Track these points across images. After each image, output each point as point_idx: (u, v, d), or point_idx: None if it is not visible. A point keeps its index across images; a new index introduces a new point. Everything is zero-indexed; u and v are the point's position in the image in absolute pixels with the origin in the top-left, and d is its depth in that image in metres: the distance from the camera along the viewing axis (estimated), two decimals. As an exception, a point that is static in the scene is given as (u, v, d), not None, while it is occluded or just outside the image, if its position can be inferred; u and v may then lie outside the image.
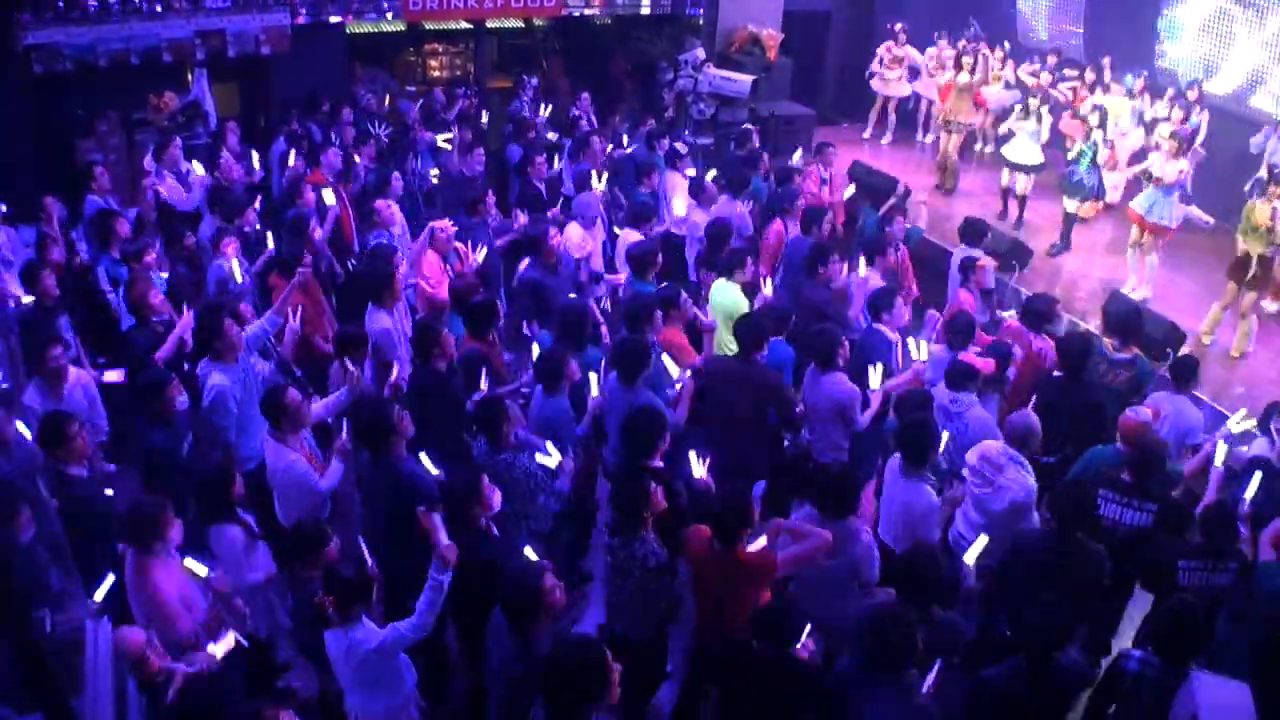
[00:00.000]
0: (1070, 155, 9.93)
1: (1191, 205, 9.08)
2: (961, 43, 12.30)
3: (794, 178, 8.99)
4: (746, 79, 11.76)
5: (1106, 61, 11.55)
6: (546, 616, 3.87)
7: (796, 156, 9.56)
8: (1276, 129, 9.93)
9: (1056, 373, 6.20)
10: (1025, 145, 10.32)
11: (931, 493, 4.94)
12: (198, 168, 8.24)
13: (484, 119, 10.80)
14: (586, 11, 12.54)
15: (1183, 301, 8.98)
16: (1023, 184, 10.48)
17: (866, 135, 13.33)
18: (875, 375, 5.77)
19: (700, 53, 12.34)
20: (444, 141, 9.31)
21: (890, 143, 13.29)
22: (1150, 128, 10.51)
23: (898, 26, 12.79)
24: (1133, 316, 6.70)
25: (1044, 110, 10.44)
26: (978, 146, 12.63)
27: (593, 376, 5.34)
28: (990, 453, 5.22)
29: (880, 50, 12.90)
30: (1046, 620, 3.97)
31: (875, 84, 13.09)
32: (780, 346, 6.18)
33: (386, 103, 11.00)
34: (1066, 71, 12.07)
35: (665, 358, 5.81)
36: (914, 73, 12.91)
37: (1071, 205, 9.98)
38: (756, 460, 5.69)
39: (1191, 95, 10.49)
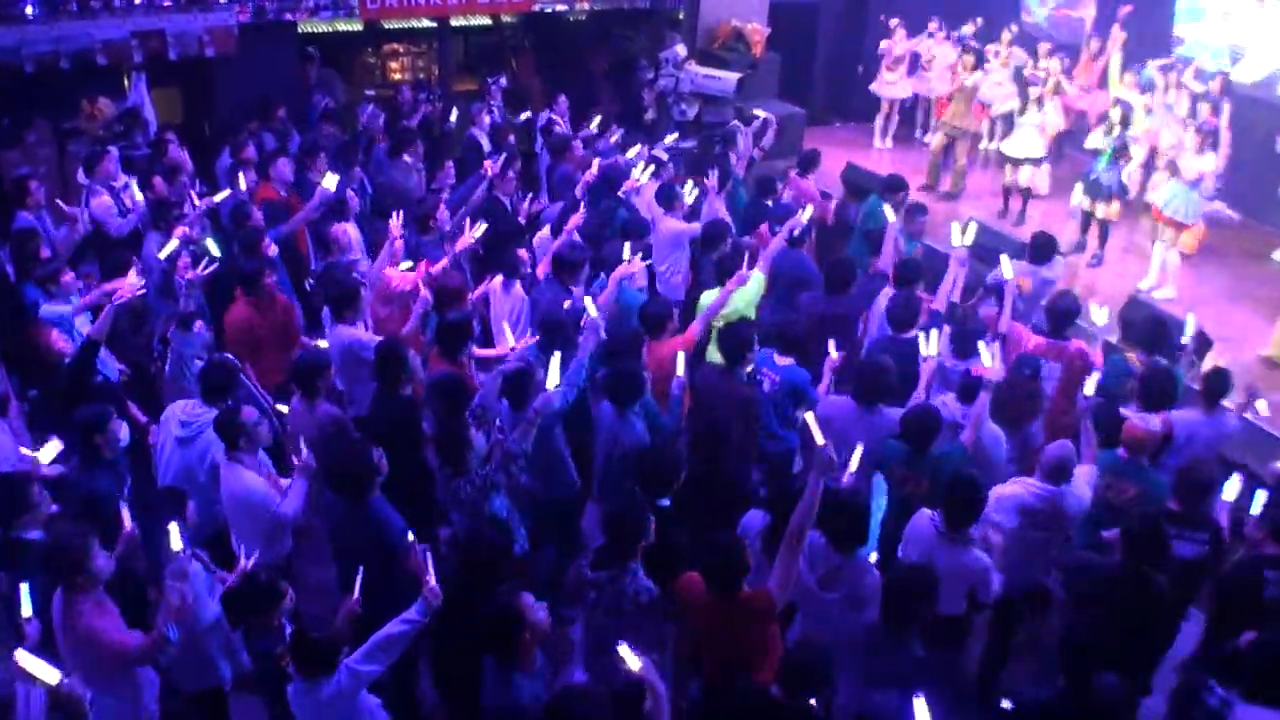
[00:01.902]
0: (1088, 144, 9.92)
1: (1216, 201, 9.08)
2: (961, 44, 12.32)
3: (776, 187, 9.06)
4: (732, 77, 11.75)
5: (1117, 31, 11.51)
6: (532, 643, 3.93)
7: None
8: None
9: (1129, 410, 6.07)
10: (1026, 137, 10.31)
11: (982, 555, 4.85)
12: (137, 193, 8.04)
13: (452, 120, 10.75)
14: (559, 7, 12.50)
15: (1209, 304, 8.94)
16: (1026, 175, 10.46)
17: (879, 145, 13.34)
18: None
19: (681, 49, 12.31)
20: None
21: (890, 143, 13.31)
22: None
23: (893, 23, 12.80)
24: (1158, 326, 6.64)
25: (1051, 105, 10.44)
26: (982, 145, 12.63)
27: (553, 361, 5.30)
28: (1031, 503, 5.16)
29: (882, 51, 12.89)
30: (1094, 641, 3.97)
31: (876, 87, 13.08)
32: (794, 371, 6.15)
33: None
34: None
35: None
36: (912, 67, 12.91)
37: (1100, 209, 9.95)
38: (744, 480, 5.69)
39: (1214, 86, 10.50)
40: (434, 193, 8.72)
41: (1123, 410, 5.88)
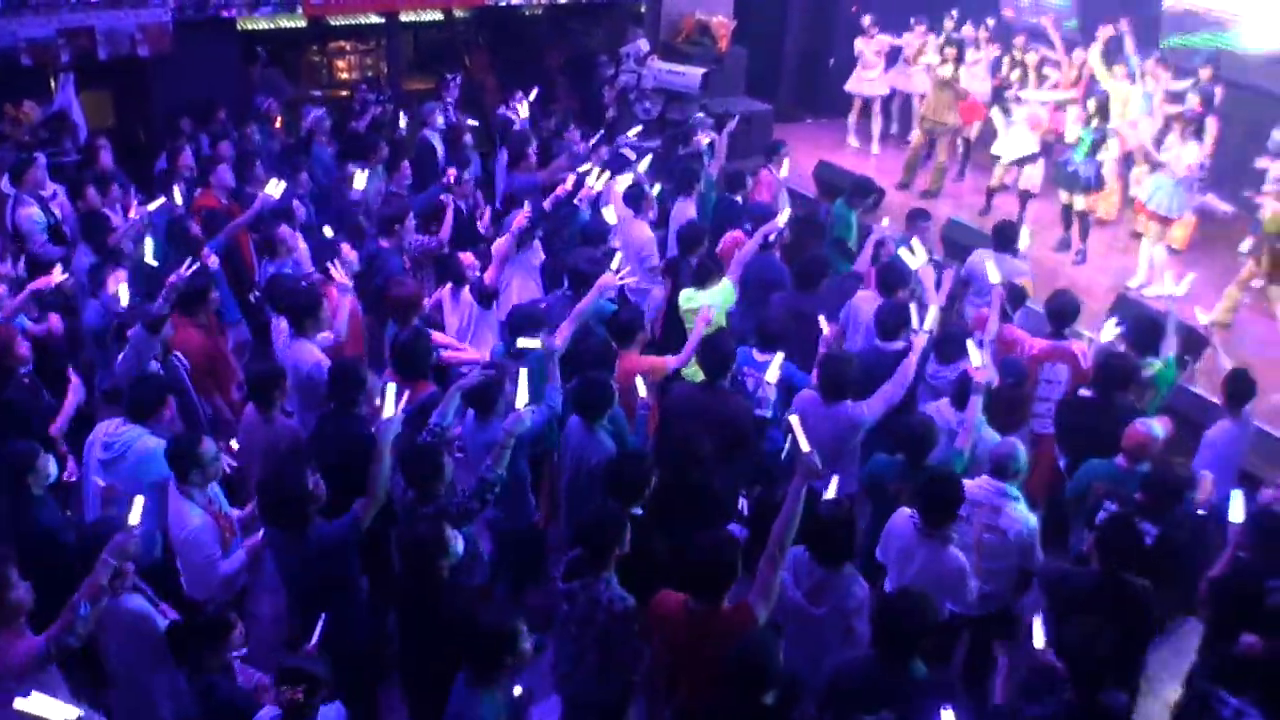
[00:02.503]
0: (1068, 137, 10.01)
1: (1209, 195, 9.15)
2: (940, 37, 12.40)
3: (746, 182, 9.06)
4: (696, 72, 11.73)
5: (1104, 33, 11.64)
6: (512, 669, 3.97)
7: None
8: None
9: (1084, 391, 6.22)
10: (1018, 136, 10.43)
11: (959, 554, 4.89)
12: (66, 202, 7.86)
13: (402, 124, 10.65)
14: (514, 0, 12.41)
15: (1201, 299, 8.88)
16: (1026, 177, 10.55)
17: (855, 144, 13.41)
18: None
19: (643, 44, 12.29)
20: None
21: (880, 142, 13.37)
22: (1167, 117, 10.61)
23: (866, 20, 12.83)
24: (1153, 326, 6.68)
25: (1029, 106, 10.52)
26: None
27: (522, 375, 5.21)
28: (976, 495, 5.20)
29: (859, 49, 12.93)
30: (1093, 646, 3.99)
31: (853, 86, 13.13)
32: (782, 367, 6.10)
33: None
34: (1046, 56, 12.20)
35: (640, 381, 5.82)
36: (890, 61, 12.99)
37: (1079, 201, 10.05)
38: (717, 508, 5.54)
39: (1205, 74, 10.59)
40: (395, 196, 8.60)
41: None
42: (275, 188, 7.48)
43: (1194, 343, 7.60)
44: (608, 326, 6.39)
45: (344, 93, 12.36)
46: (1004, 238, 7.94)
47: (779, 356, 5.89)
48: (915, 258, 6.93)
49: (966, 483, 5.20)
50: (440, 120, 10.39)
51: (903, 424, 5.56)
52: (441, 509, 4.85)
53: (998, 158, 10.75)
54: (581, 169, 8.42)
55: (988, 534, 5.20)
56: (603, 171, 8.34)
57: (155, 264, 6.69)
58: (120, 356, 5.88)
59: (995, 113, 10.75)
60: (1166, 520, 5.15)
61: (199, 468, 4.92)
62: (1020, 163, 10.52)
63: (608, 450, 5.49)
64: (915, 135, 11.77)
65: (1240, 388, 6.09)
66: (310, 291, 6.34)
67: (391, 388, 4.98)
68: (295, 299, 6.25)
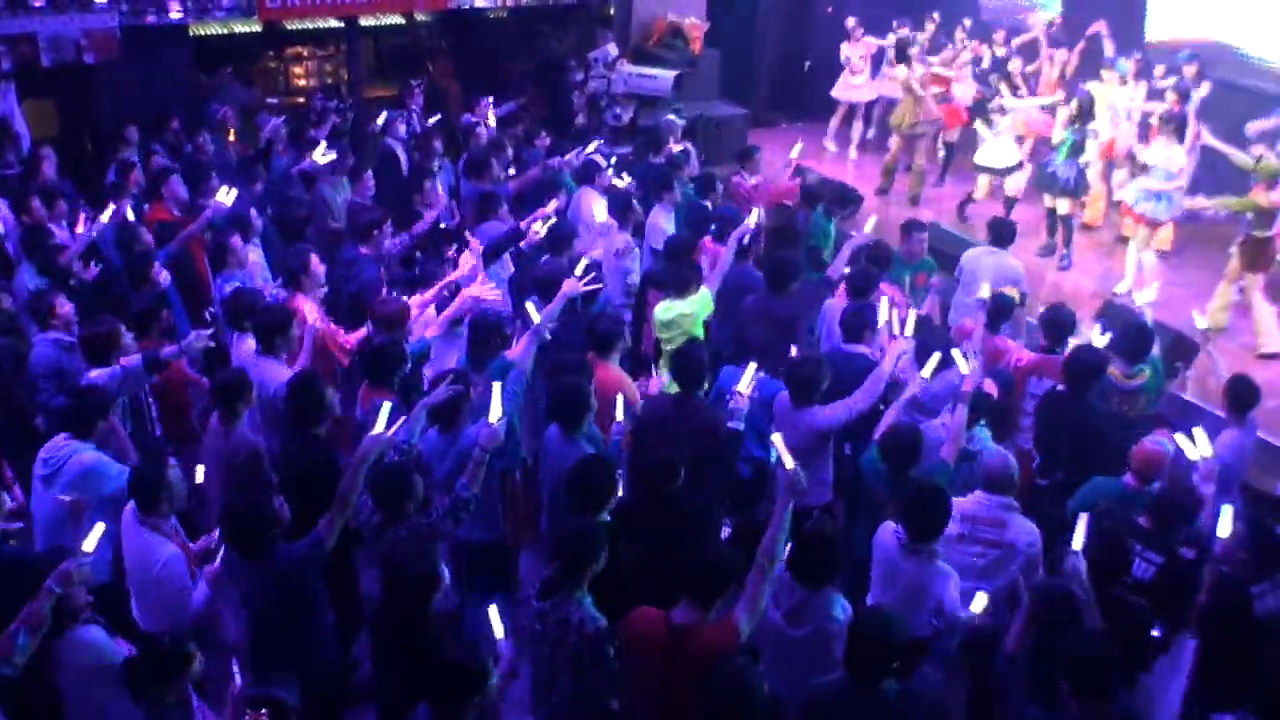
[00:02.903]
0: (1054, 140, 10.04)
1: (1199, 196, 9.20)
2: (894, 36, 12.49)
3: (716, 185, 9.08)
4: (668, 75, 11.73)
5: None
6: (480, 710, 3.93)
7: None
8: None
9: (1060, 386, 6.25)
10: (996, 145, 10.48)
11: (947, 568, 4.86)
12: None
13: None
14: (478, 4, 12.38)
15: (1189, 304, 8.98)
16: (1012, 184, 10.59)
17: (832, 149, 13.44)
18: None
19: (612, 48, 12.30)
20: (321, 156, 8.95)
21: (859, 148, 13.42)
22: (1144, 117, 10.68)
23: (851, 23, 12.88)
24: (1141, 332, 6.68)
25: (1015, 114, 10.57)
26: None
27: (495, 390, 5.18)
28: (975, 511, 5.17)
29: (845, 55, 12.97)
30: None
31: (839, 92, 13.15)
32: (765, 384, 6.12)
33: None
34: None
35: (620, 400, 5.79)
36: (875, 64, 13.08)
37: (1063, 205, 10.07)
38: (693, 524, 5.47)
39: (1190, 71, 10.66)
40: (361, 207, 8.52)
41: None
42: (226, 195, 7.39)
43: (1184, 348, 7.62)
44: (587, 335, 6.36)
45: (301, 100, 12.27)
46: (1000, 234, 7.95)
47: (751, 367, 5.88)
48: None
49: (961, 500, 5.17)
50: (403, 128, 10.33)
51: (889, 431, 5.55)
52: (414, 530, 4.82)
53: (980, 164, 10.76)
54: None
55: (992, 550, 5.14)
56: (549, 220, 8.04)
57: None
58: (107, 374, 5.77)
59: (980, 125, 10.77)
60: (1171, 548, 5.10)
61: (167, 496, 4.87)
62: (1004, 172, 10.55)
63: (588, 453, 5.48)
64: (894, 141, 11.79)
65: (1242, 394, 6.07)
66: (280, 308, 6.29)
67: (387, 406, 4.96)
68: (264, 316, 6.20)
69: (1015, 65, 11.17)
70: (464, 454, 5.20)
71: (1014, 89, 11.00)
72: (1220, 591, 4.82)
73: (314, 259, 6.95)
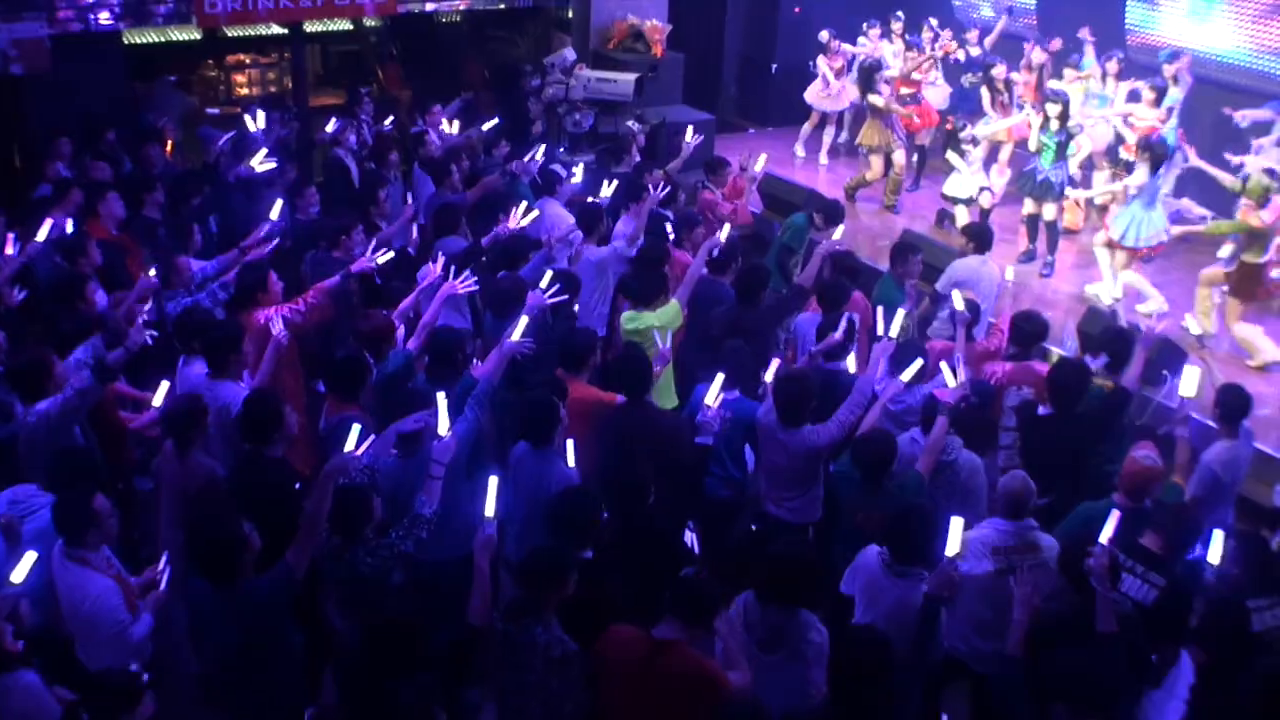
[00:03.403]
0: (1031, 147, 10.10)
1: (1184, 199, 9.28)
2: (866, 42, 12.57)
3: (678, 197, 9.19)
4: (628, 78, 11.72)
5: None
6: None
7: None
8: None
9: (1043, 409, 6.28)
10: (959, 177, 10.67)
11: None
12: None
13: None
14: (429, 7, 12.33)
15: (1177, 308, 9.10)
16: (988, 199, 10.69)
17: (801, 155, 13.51)
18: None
19: (570, 53, 12.26)
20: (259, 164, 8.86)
21: (829, 154, 13.50)
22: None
23: (825, 36, 12.96)
24: (1122, 337, 6.72)
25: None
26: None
27: (441, 402, 5.18)
28: (1004, 541, 5.18)
29: (821, 70, 13.03)
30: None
31: (814, 99, 13.21)
32: (741, 404, 6.16)
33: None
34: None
35: None
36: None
37: (1049, 211, 10.14)
38: (673, 532, 5.58)
39: (1170, 69, 10.78)
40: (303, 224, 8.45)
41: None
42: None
43: (1172, 355, 7.65)
44: (559, 351, 6.36)
45: (239, 110, 12.12)
46: (982, 239, 8.00)
47: (719, 378, 5.89)
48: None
49: (981, 534, 5.20)
50: (353, 138, 10.24)
51: (862, 439, 5.58)
52: (374, 553, 4.82)
53: (947, 194, 10.91)
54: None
55: (1037, 572, 5.08)
56: (529, 210, 8.24)
57: None
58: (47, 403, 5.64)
59: (951, 155, 10.88)
60: (1174, 570, 5.11)
61: (95, 526, 4.80)
62: (970, 202, 10.73)
63: (568, 474, 5.49)
64: (874, 160, 11.79)
65: (1233, 403, 6.09)
66: (230, 324, 6.24)
67: (357, 428, 4.95)
68: (213, 334, 6.14)
69: (999, 71, 11.23)
70: (421, 473, 5.18)
71: (995, 94, 11.06)
72: (1216, 608, 4.82)
73: (272, 275, 6.89)
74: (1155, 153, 8.84)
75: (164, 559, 4.99)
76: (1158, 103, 10.16)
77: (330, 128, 10.25)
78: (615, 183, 8.99)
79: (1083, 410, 6.21)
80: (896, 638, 4.63)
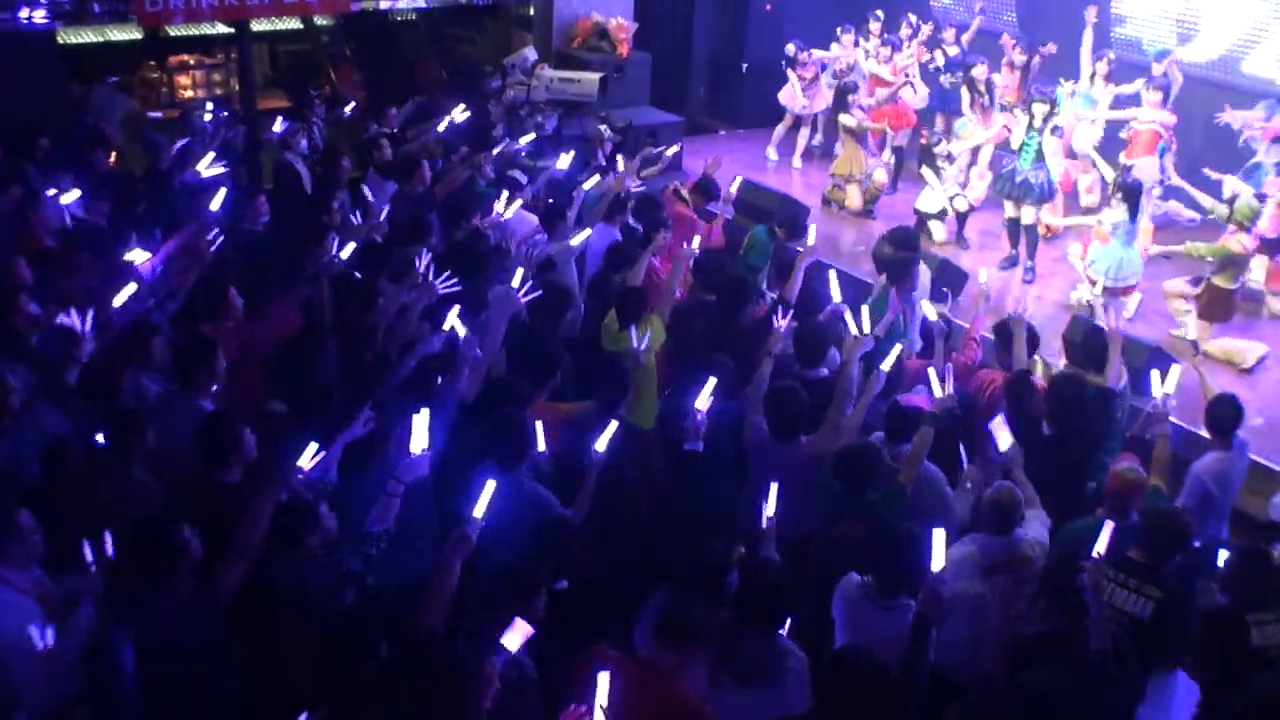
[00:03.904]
0: (1013, 144, 10.17)
1: (1171, 201, 9.35)
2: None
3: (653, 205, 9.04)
4: (592, 77, 11.70)
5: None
6: None
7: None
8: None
9: (1045, 428, 6.28)
10: (931, 193, 10.87)
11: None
12: None
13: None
14: (384, 4, 12.28)
15: (1165, 315, 9.22)
16: (963, 202, 10.83)
17: (774, 158, 13.55)
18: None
19: (531, 53, 12.26)
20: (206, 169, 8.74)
21: (804, 157, 13.54)
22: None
23: (791, 49, 12.96)
24: (1095, 338, 6.81)
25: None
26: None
27: (418, 418, 5.14)
28: (992, 560, 5.20)
29: (793, 79, 13.04)
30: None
31: (786, 100, 13.23)
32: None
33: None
34: None
35: None
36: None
37: (1027, 214, 10.20)
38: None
39: (1160, 66, 10.87)
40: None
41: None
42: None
43: (1160, 364, 7.68)
44: (524, 365, 6.37)
45: (179, 114, 12.01)
46: (908, 243, 8.07)
47: (712, 381, 5.88)
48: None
49: (964, 550, 5.22)
50: (305, 142, 10.14)
51: (843, 451, 5.60)
52: (321, 569, 4.79)
53: (920, 209, 11.03)
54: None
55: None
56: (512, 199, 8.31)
57: None
58: None
59: (926, 171, 10.95)
60: (1166, 581, 5.12)
61: (19, 540, 4.69)
62: (942, 215, 10.89)
63: (544, 497, 5.44)
64: (851, 190, 11.85)
65: (1223, 414, 6.13)
66: (203, 339, 6.15)
67: (313, 446, 4.94)
68: (185, 346, 6.12)
69: (980, 72, 11.28)
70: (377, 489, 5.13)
71: (975, 95, 11.13)
72: (1214, 623, 4.85)
73: (232, 291, 6.76)
74: (1131, 194, 8.93)
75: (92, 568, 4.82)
76: (1165, 101, 10.24)
77: (278, 127, 10.14)
78: (573, 153, 9.20)
79: (1083, 424, 6.26)
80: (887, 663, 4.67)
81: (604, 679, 3.95)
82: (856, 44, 13.06)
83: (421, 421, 5.06)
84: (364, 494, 5.28)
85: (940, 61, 12.73)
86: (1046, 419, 6.30)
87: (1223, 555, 5.13)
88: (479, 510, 4.71)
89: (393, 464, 5.27)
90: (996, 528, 5.30)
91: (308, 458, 4.86)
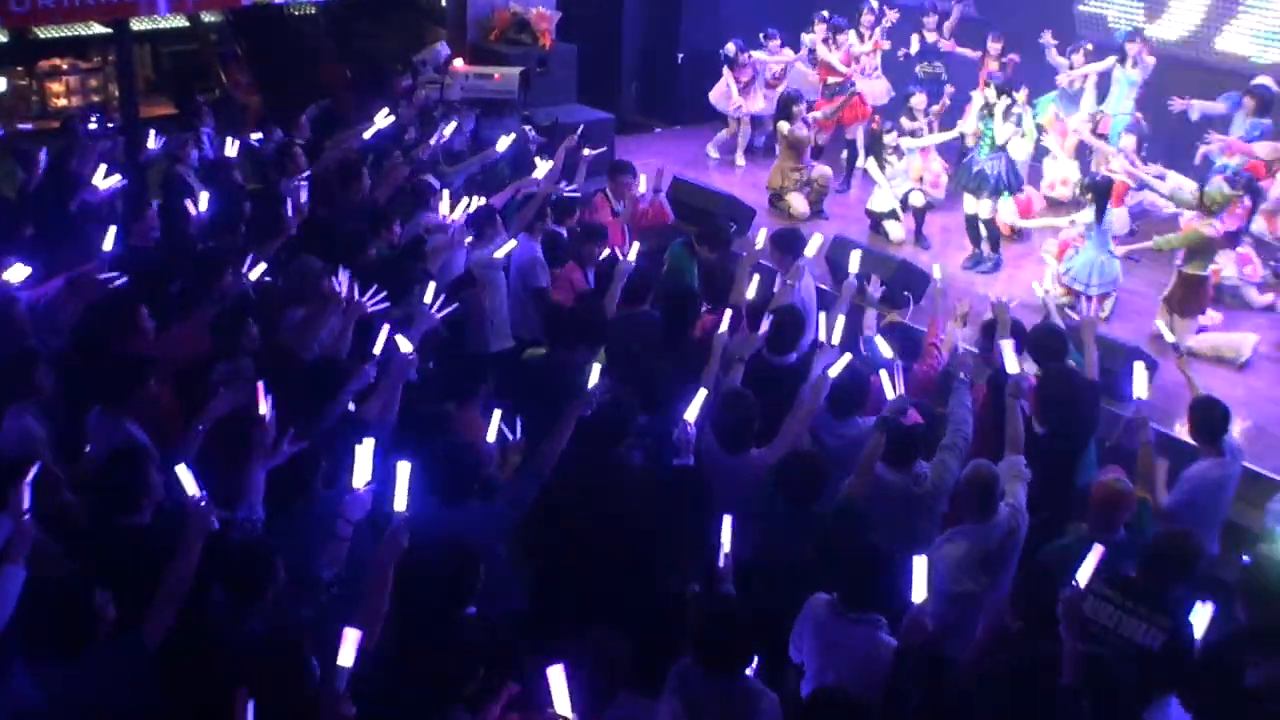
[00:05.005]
0: (965, 128, 10.44)
1: (1146, 191, 9.53)
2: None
3: (576, 211, 9.17)
4: (511, 72, 11.70)
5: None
6: None
7: None
8: (1243, 100, 10.43)
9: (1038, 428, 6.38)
10: (882, 192, 11.07)
11: (893, 639, 4.87)
12: None
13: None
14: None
15: (1143, 313, 9.34)
16: (919, 198, 11.01)
17: (715, 156, 13.66)
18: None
19: (444, 48, 12.25)
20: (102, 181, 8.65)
21: (746, 154, 13.66)
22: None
23: (731, 49, 13.10)
24: (1052, 333, 6.96)
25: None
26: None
27: (362, 450, 5.11)
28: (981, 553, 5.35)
29: (727, 80, 13.17)
30: None
31: (722, 102, 13.36)
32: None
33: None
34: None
35: None
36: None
37: (981, 208, 10.37)
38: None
39: (1132, 49, 11.11)
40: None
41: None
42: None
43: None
44: (447, 380, 6.42)
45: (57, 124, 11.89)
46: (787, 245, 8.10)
47: (702, 392, 5.97)
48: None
49: (950, 549, 5.35)
50: (195, 154, 10.03)
51: (781, 464, 5.67)
52: (269, 618, 4.71)
53: (871, 209, 11.22)
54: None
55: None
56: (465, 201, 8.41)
57: None
58: None
59: (871, 165, 11.12)
60: (1175, 613, 5.13)
61: None
62: (892, 215, 11.04)
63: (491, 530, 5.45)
64: (792, 201, 11.95)
65: (1209, 418, 6.20)
66: (135, 358, 6.13)
67: (181, 466, 4.89)
68: (104, 369, 6.08)
69: (919, 101, 11.48)
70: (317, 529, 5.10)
71: (911, 119, 11.35)
72: (1207, 657, 4.89)
73: (143, 310, 6.74)
74: (1100, 193, 9.10)
75: None
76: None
77: (152, 144, 10.00)
78: (515, 134, 9.31)
79: (1075, 420, 6.41)
80: (866, 690, 4.72)
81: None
82: (783, 46, 13.26)
83: (365, 453, 5.02)
84: (294, 533, 5.25)
85: (915, 48, 12.94)
86: (1036, 418, 6.40)
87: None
88: (400, 502, 4.70)
89: (325, 500, 5.26)
90: (978, 510, 5.42)
91: (189, 484, 4.80)
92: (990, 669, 4.79)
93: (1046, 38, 11.93)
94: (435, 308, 6.58)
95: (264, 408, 5.52)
